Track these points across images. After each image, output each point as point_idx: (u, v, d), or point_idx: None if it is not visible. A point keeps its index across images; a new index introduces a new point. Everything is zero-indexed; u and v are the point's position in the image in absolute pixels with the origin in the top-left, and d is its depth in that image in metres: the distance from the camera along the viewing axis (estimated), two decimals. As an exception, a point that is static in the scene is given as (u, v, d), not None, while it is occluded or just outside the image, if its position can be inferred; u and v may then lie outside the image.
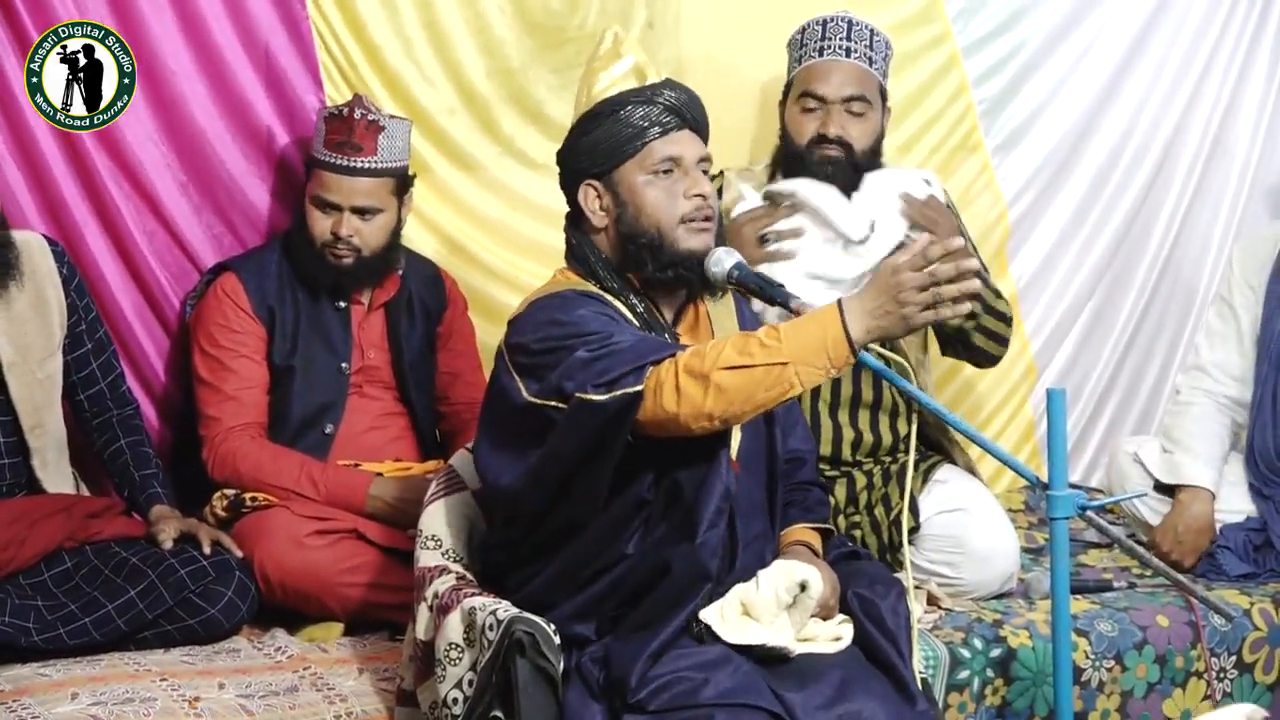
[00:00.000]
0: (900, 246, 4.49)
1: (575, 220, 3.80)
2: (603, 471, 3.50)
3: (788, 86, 4.96)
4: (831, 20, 4.90)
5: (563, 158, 3.81)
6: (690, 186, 3.70)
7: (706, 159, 3.76)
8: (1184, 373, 5.27)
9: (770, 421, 3.82)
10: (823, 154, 4.82)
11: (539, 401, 3.54)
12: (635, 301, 3.70)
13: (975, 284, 3.40)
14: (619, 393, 3.41)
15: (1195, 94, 6.20)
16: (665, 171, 3.69)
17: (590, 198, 3.73)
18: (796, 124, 4.88)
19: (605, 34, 3.83)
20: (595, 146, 3.72)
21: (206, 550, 4.42)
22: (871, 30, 4.91)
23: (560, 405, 3.49)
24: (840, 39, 4.86)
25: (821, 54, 4.87)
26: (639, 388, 3.41)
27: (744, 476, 3.72)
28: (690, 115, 3.75)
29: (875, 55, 4.89)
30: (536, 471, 3.56)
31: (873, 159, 4.88)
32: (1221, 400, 5.11)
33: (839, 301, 3.43)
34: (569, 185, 3.79)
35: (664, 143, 3.70)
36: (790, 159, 4.89)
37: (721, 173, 4.94)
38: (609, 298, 3.69)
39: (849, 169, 4.83)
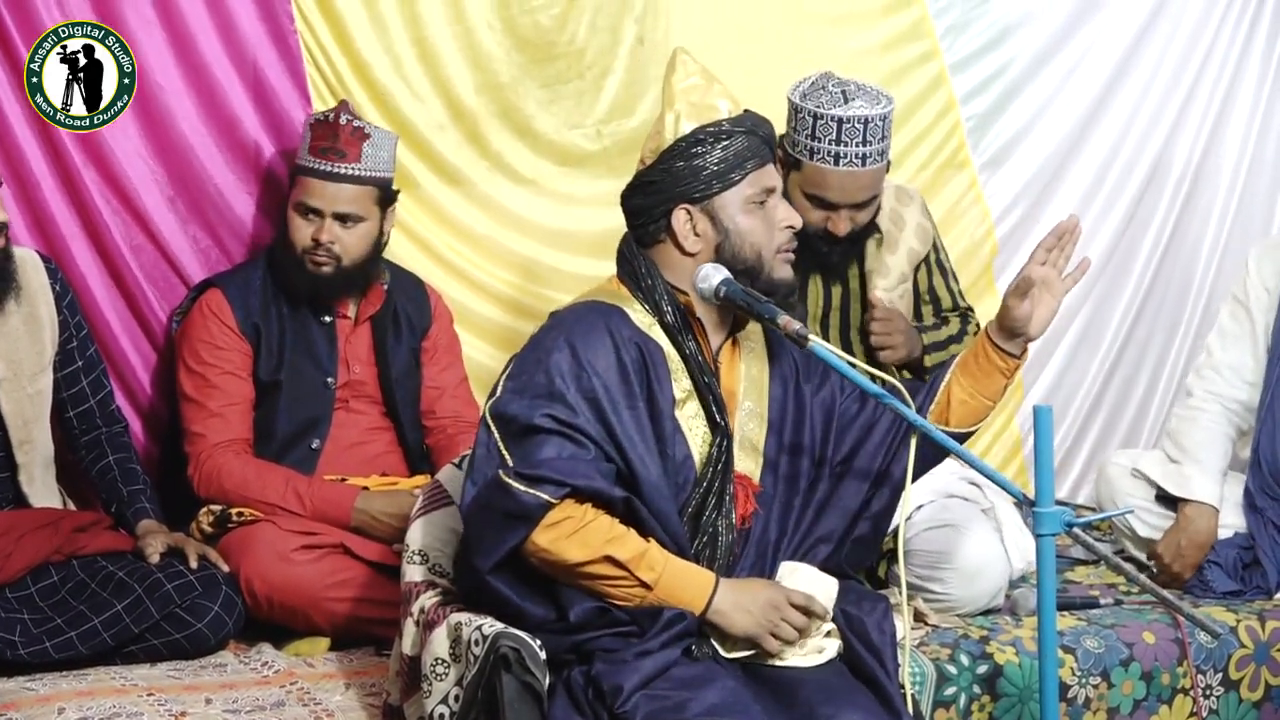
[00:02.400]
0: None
1: (644, 240, 3.77)
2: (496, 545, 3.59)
3: (792, 160, 4.73)
4: (847, 121, 4.62)
5: (653, 179, 3.74)
6: (785, 218, 3.75)
7: (783, 191, 3.83)
8: (1195, 374, 5.21)
9: (803, 449, 3.85)
10: (824, 241, 4.75)
11: (489, 417, 3.61)
12: (682, 335, 3.69)
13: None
14: (533, 492, 3.49)
15: (1183, 111, 6.22)
16: (760, 202, 3.72)
17: (683, 221, 3.71)
18: (802, 209, 4.63)
19: (678, 56, 3.81)
20: (698, 172, 3.69)
21: (193, 565, 4.42)
22: (883, 118, 4.68)
23: (492, 429, 3.58)
24: (857, 144, 4.64)
25: (838, 162, 4.65)
26: (554, 500, 3.48)
27: (762, 514, 3.78)
28: (775, 149, 3.81)
29: (887, 144, 4.73)
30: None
31: (869, 226, 4.83)
32: (1232, 405, 5.08)
33: (719, 580, 3.60)
34: (654, 206, 3.73)
35: (760, 174, 3.73)
36: None
37: None
38: (640, 324, 3.69)
39: (847, 244, 4.78)
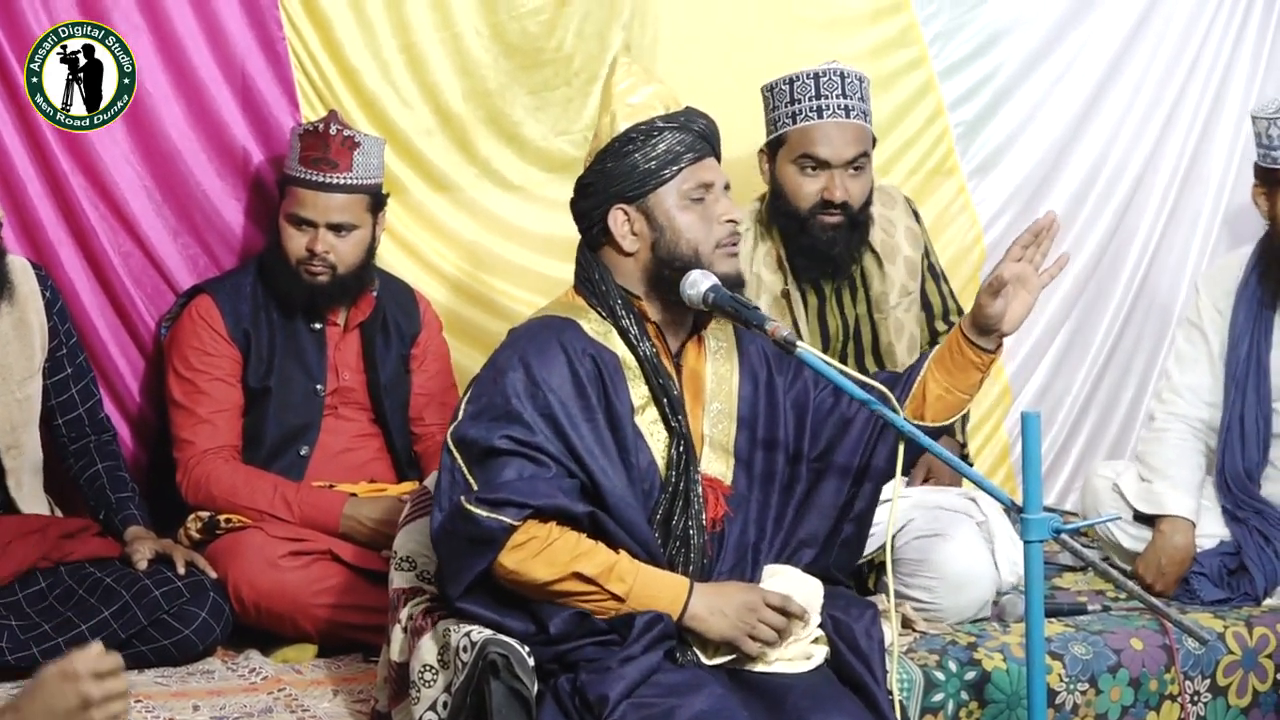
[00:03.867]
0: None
1: (592, 244, 3.79)
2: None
3: (777, 140, 4.80)
4: (824, 75, 4.73)
5: (589, 181, 3.78)
6: (724, 212, 3.72)
7: (728, 185, 3.79)
8: (1156, 399, 5.26)
9: (778, 444, 3.84)
10: (826, 220, 4.73)
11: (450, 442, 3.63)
12: (638, 339, 3.70)
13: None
14: (496, 516, 3.50)
15: (1170, 118, 6.22)
16: (698, 198, 3.71)
17: (620, 221, 3.72)
18: (795, 185, 4.75)
19: (618, 60, 3.85)
20: (630, 171, 3.70)
21: (181, 571, 4.42)
22: (860, 79, 4.79)
23: (454, 454, 3.61)
24: (837, 96, 4.72)
25: (821, 114, 4.71)
26: (516, 523, 3.50)
27: (738, 515, 3.77)
28: (715, 145, 3.80)
29: (867, 106, 4.79)
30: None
31: (866, 209, 4.83)
32: (1195, 424, 5.10)
33: (693, 585, 3.58)
34: (593, 209, 3.75)
35: (697, 169, 3.72)
36: (787, 219, 4.79)
37: None
38: (595, 334, 3.69)
39: (848, 230, 4.77)
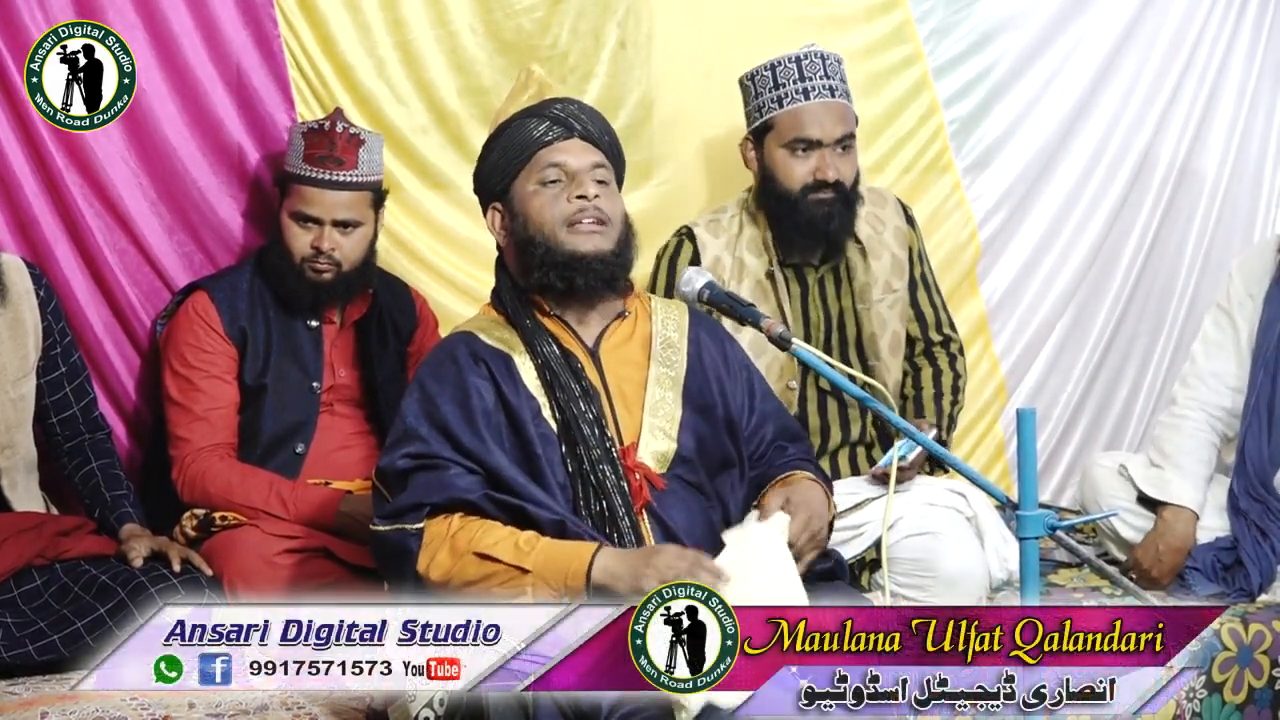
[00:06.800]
0: None
1: (500, 249, 3.86)
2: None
3: (764, 127, 4.86)
4: (805, 58, 4.81)
5: (475, 188, 3.88)
6: (574, 190, 3.73)
7: (602, 166, 3.79)
8: (1180, 382, 5.22)
9: (713, 426, 3.83)
10: (818, 199, 4.78)
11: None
12: (537, 332, 3.73)
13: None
14: (398, 527, 3.59)
15: (1165, 115, 6.23)
16: (553, 180, 3.74)
17: (496, 219, 3.80)
18: (787, 168, 4.80)
19: (520, 73, 3.90)
20: (493, 168, 3.80)
21: (176, 568, 4.41)
22: (839, 60, 4.88)
23: (378, 488, 3.70)
24: (821, 77, 4.79)
25: (807, 96, 4.78)
26: (419, 525, 3.57)
27: (672, 493, 3.76)
28: (580, 125, 3.80)
29: (848, 87, 4.87)
30: None
31: (855, 190, 4.86)
32: (1215, 412, 5.08)
33: (599, 545, 3.53)
34: (484, 215, 3.85)
35: (549, 152, 3.75)
36: (779, 201, 4.83)
37: (690, 231, 4.92)
38: (496, 342, 3.74)
39: (842, 208, 4.81)
